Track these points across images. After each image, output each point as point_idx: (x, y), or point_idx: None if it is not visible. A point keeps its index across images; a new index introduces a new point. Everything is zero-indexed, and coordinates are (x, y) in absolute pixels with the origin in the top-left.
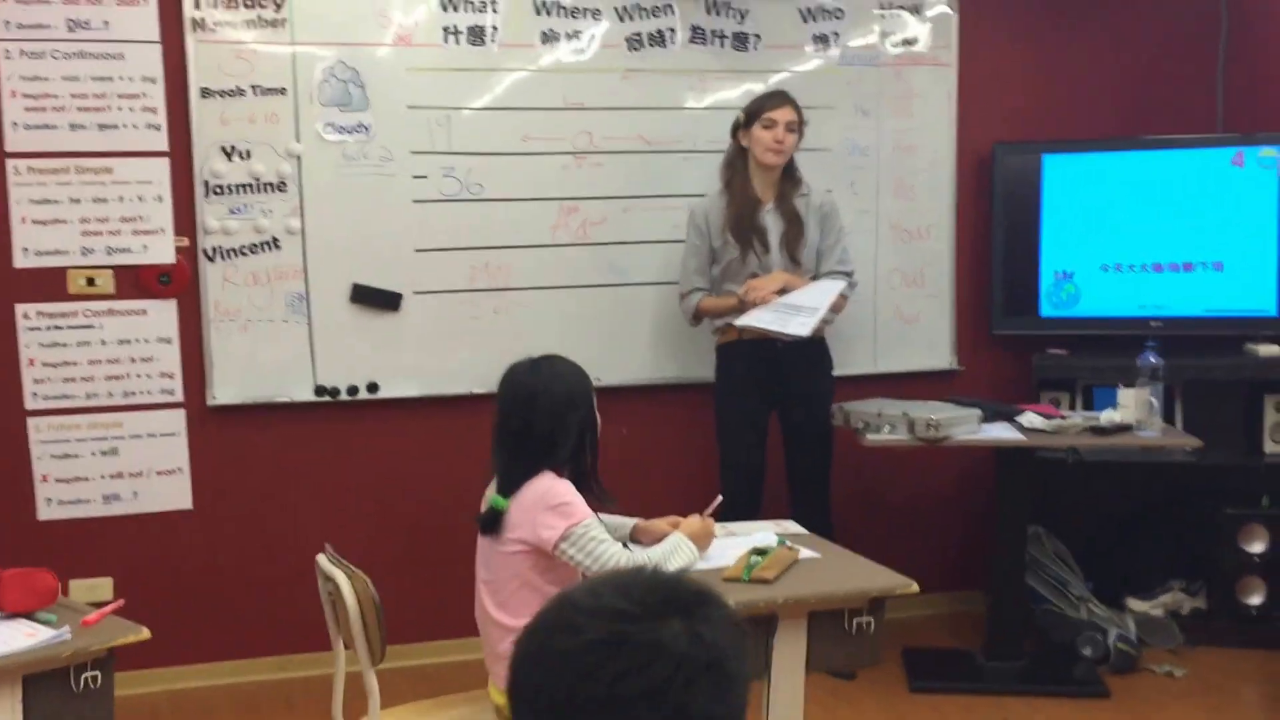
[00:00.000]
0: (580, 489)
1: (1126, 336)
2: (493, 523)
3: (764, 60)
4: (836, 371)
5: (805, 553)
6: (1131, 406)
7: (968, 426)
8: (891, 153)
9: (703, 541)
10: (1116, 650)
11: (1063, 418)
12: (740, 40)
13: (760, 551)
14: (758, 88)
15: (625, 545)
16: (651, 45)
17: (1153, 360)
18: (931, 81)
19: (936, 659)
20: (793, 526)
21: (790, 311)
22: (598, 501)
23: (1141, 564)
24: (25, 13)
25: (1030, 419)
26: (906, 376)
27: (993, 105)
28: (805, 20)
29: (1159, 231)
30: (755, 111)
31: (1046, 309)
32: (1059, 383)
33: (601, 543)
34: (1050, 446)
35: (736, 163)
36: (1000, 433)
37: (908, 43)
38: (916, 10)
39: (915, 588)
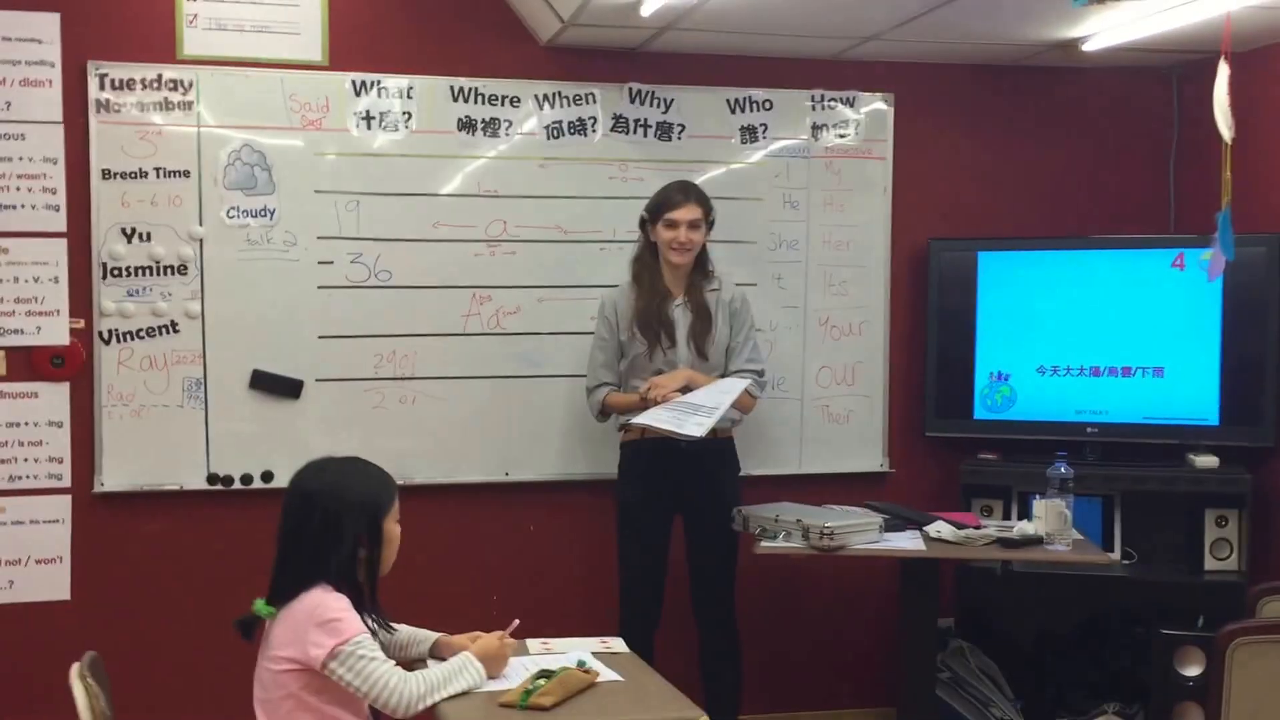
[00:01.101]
0: (357, 608)
1: (1062, 442)
2: (248, 628)
3: (688, 150)
4: (760, 470)
5: (606, 675)
6: (1045, 518)
7: (867, 536)
8: (821, 247)
9: (495, 663)
10: None
11: (977, 527)
12: (664, 130)
13: (546, 674)
14: (682, 177)
15: (425, 661)
16: (572, 133)
17: (1062, 470)
18: (865, 175)
19: None
20: (617, 644)
21: (689, 410)
22: (377, 626)
23: (1075, 683)
24: None
25: (939, 528)
26: (834, 478)
27: (928, 200)
28: (733, 111)
29: (1098, 334)
30: (656, 209)
31: (981, 411)
32: (992, 489)
33: (372, 661)
34: (955, 559)
35: (645, 256)
36: (903, 543)
37: (841, 135)
38: (850, 103)
39: (704, 719)
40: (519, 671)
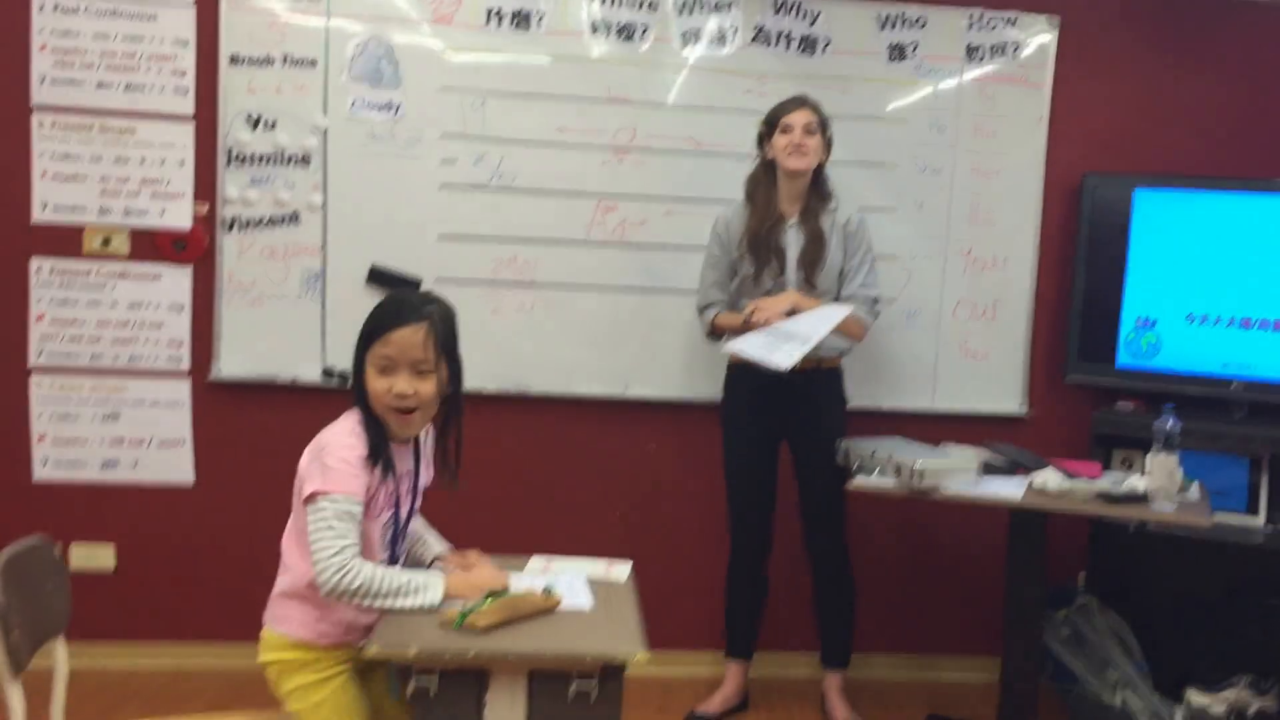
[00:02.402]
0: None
1: (1207, 397)
2: None
3: (831, 66)
4: (890, 404)
5: (574, 603)
6: (1153, 474)
7: (963, 479)
8: (969, 175)
9: (467, 590)
10: None
11: (1090, 478)
12: (808, 44)
13: (495, 594)
14: (821, 95)
15: (430, 564)
16: (710, 42)
17: (1170, 424)
18: (1020, 102)
19: None
20: (619, 572)
21: (782, 339)
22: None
23: (1209, 652)
24: None
25: (1046, 478)
26: (969, 418)
27: (1087, 132)
28: (882, 27)
29: (1253, 283)
30: (773, 120)
31: (1124, 358)
32: (1132, 441)
33: (329, 529)
34: (1051, 510)
35: (760, 173)
36: (1002, 490)
37: (997, 60)
38: (1012, 24)
39: (641, 656)
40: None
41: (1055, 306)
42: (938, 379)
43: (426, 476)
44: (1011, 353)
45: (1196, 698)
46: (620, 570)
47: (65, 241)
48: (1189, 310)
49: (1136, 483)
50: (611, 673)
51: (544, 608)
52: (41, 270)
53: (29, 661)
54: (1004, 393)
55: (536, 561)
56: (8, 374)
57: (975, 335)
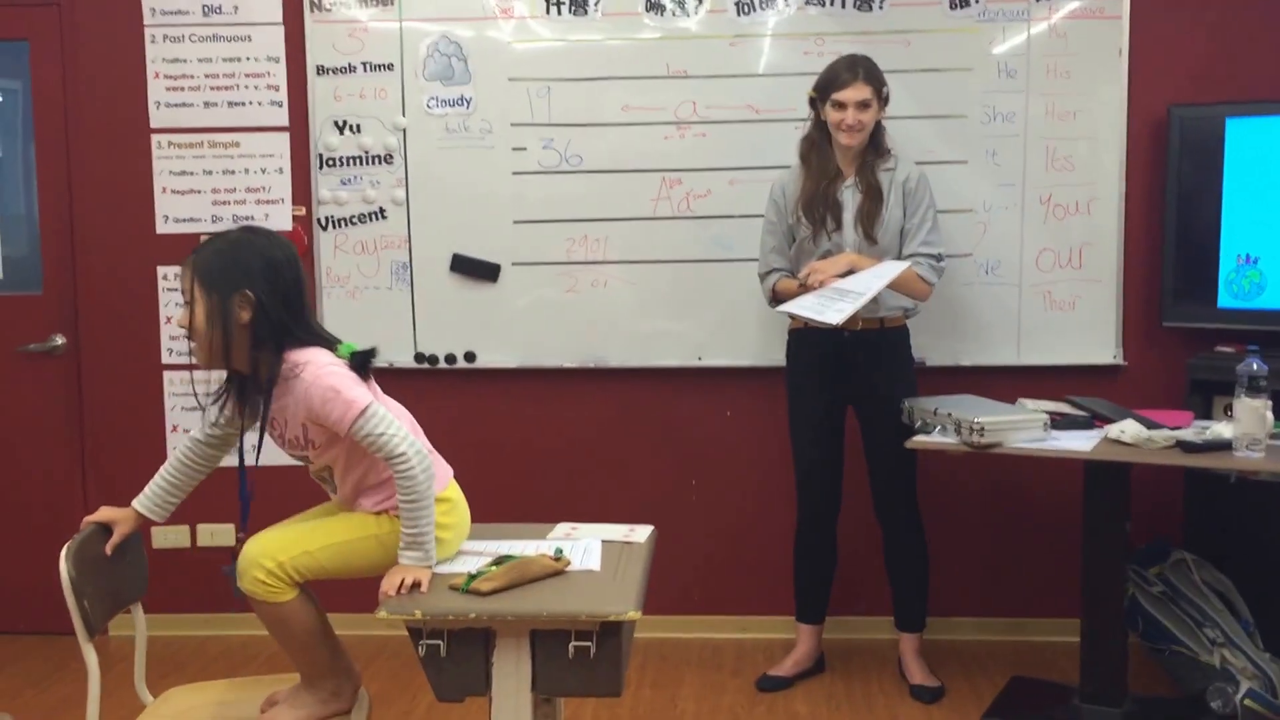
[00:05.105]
0: None
1: None
2: None
3: (891, 20)
4: (972, 361)
5: (584, 565)
6: (1241, 420)
7: (1029, 434)
8: (1043, 118)
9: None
10: (1244, 709)
11: (1175, 428)
12: None
13: (504, 560)
14: (882, 51)
15: None
16: (762, 8)
17: (1255, 367)
18: (1096, 37)
19: (1034, 691)
20: (639, 535)
21: (836, 296)
22: None
23: None
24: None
25: (1124, 428)
26: (1058, 370)
27: (1169, 61)
28: None
29: None
30: (824, 89)
31: (1226, 299)
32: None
33: None
34: (1131, 461)
35: (814, 135)
36: (1073, 443)
37: None
38: None
39: (634, 615)
40: (492, 554)
41: (1147, 249)
42: (1022, 332)
43: (289, 429)
44: (1101, 300)
45: None
46: (639, 534)
47: (185, 250)
48: None
49: (1222, 430)
50: (610, 630)
51: (553, 570)
52: (167, 277)
53: (102, 626)
54: (1095, 342)
55: (562, 528)
56: (146, 371)
57: (1060, 285)
